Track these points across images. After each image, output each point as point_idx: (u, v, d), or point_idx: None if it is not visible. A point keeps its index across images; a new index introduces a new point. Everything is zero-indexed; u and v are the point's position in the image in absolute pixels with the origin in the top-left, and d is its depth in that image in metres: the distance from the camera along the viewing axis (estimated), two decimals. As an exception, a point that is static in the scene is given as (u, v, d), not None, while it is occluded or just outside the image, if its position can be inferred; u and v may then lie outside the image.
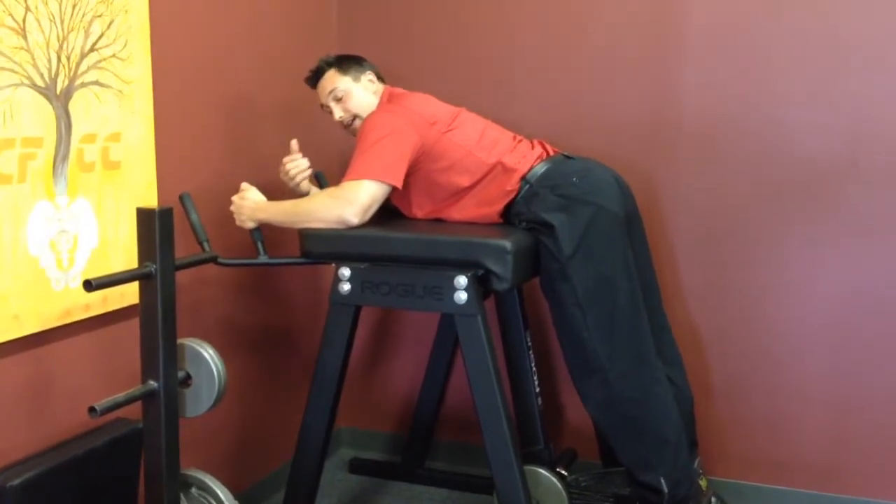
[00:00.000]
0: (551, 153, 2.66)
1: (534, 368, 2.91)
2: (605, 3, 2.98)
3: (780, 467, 2.95)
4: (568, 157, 2.65)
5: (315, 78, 2.76)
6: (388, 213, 2.71)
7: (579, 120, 3.03)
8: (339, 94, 2.70)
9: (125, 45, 2.25)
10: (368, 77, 2.73)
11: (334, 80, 2.72)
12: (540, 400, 2.90)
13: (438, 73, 3.17)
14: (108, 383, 2.26)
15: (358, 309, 2.54)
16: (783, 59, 2.80)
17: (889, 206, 2.74)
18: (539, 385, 2.91)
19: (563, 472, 2.77)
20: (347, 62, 2.73)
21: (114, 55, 2.22)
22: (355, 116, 2.70)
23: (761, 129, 2.84)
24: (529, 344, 2.91)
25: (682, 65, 2.91)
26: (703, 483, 2.69)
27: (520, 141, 2.68)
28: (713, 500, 2.72)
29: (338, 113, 2.72)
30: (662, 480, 2.52)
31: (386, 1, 3.25)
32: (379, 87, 2.75)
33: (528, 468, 2.60)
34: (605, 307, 2.47)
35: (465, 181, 2.59)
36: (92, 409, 1.87)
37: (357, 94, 2.70)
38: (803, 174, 2.82)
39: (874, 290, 2.79)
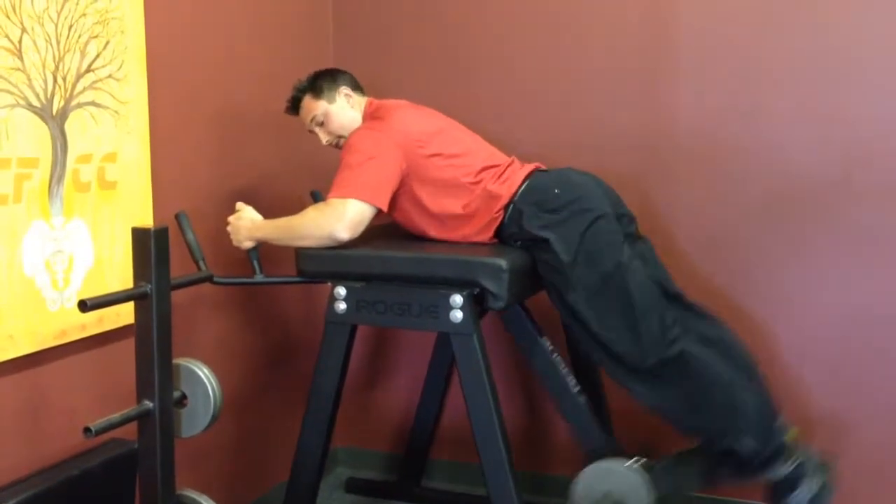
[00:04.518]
0: (531, 170, 2.63)
1: (566, 369, 2.78)
2: (599, 22, 2.99)
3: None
4: (543, 171, 2.64)
5: (294, 107, 2.76)
6: (382, 231, 2.71)
7: (573, 137, 3.03)
8: (320, 120, 2.70)
9: (121, 66, 2.26)
10: (344, 92, 2.70)
11: (311, 107, 2.71)
12: (583, 398, 2.77)
13: (432, 88, 3.18)
14: (103, 403, 2.25)
15: (354, 328, 2.54)
16: (777, 77, 2.82)
17: (884, 222, 2.75)
18: (580, 384, 2.72)
19: (639, 460, 2.54)
20: (319, 84, 2.70)
21: (110, 76, 2.23)
22: (340, 137, 2.68)
23: (755, 146, 2.85)
24: (551, 347, 2.81)
25: (676, 82, 2.92)
26: (792, 434, 2.54)
27: (510, 163, 2.66)
28: (805, 455, 2.53)
29: (324, 138, 2.74)
30: (743, 441, 2.42)
31: (382, 16, 3.26)
32: (357, 99, 2.72)
33: (598, 465, 2.48)
34: (620, 303, 2.42)
35: (451, 207, 2.57)
36: (87, 430, 1.87)
37: (336, 115, 2.69)
38: (798, 191, 2.83)
39: (871, 305, 2.79)
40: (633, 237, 2.58)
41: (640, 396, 2.49)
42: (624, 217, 2.58)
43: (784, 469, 2.48)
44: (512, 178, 2.59)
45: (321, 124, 2.72)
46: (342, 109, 2.70)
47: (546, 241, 2.45)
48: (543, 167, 2.67)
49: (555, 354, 2.77)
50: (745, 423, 2.44)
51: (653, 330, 2.42)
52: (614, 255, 2.44)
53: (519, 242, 2.53)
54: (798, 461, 2.49)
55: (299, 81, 2.75)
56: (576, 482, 2.49)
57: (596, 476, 2.46)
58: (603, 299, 2.42)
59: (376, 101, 2.72)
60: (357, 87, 2.75)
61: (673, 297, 2.52)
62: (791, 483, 2.48)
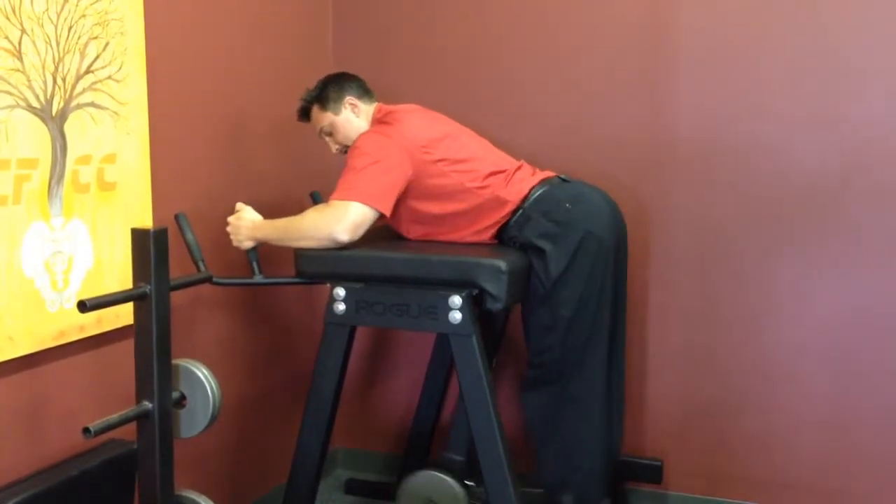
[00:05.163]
0: (548, 177, 2.65)
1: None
2: (599, 23, 3.00)
3: (774, 488, 2.94)
4: (564, 181, 2.66)
5: (304, 115, 2.79)
6: (381, 232, 2.71)
7: (572, 141, 3.04)
8: (328, 130, 2.73)
9: (121, 67, 2.26)
10: (349, 102, 2.70)
11: (318, 118, 2.74)
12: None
13: (431, 89, 3.18)
14: (102, 404, 2.25)
15: (353, 329, 2.54)
16: (775, 81, 2.82)
17: (881, 226, 2.75)
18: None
19: (471, 484, 2.72)
20: (325, 94, 2.71)
21: (109, 77, 2.23)
22: (348, 146, 2.68)
23: (753, 150, 2.85)
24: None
25: (674, 87, 2.92)
26: None
27: (519, 167, 2.67)
28: None
29: (333, 147, 2.77)
30: (564, 499, 2.59)
31: (382, 16, 3.26)
32: (364, 108, 2.72)
33: (435, 473, 2.65)
34: (581, 331, 2.52)
35: (455, 211, 2.59)
36: (86, 430, 1.87)
37: (342, 126, 2.70)
38: (796, 195, 2.82)
39: (868, 309, 2.79)
40: (619, 268, 2.65)
41: (530, 402, 2.64)
42: (621, 248, 2.65)
43: None
44: (521, 184, 2.60)
45: (330, 134, 2.74)
46: (347, 121, 2.71)
47: (542, 251, 2.47)
48: (562, 176, 2.69)
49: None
50: (577, 488, 2.59)
51: (588, 367, 2.56)
52: (595, 285, 2.52)
53: (518, 244, 2.54)
54: None
55: (307, 91, 2.76)
56: (410, 479, 2.67)
57: (428, 481, 2.63)
58: (568, 321, 2.52)
59: (386, 107, 2.72)
60: (365, 94, 2.75)
61: (614, 358, 2.67)
62: None
